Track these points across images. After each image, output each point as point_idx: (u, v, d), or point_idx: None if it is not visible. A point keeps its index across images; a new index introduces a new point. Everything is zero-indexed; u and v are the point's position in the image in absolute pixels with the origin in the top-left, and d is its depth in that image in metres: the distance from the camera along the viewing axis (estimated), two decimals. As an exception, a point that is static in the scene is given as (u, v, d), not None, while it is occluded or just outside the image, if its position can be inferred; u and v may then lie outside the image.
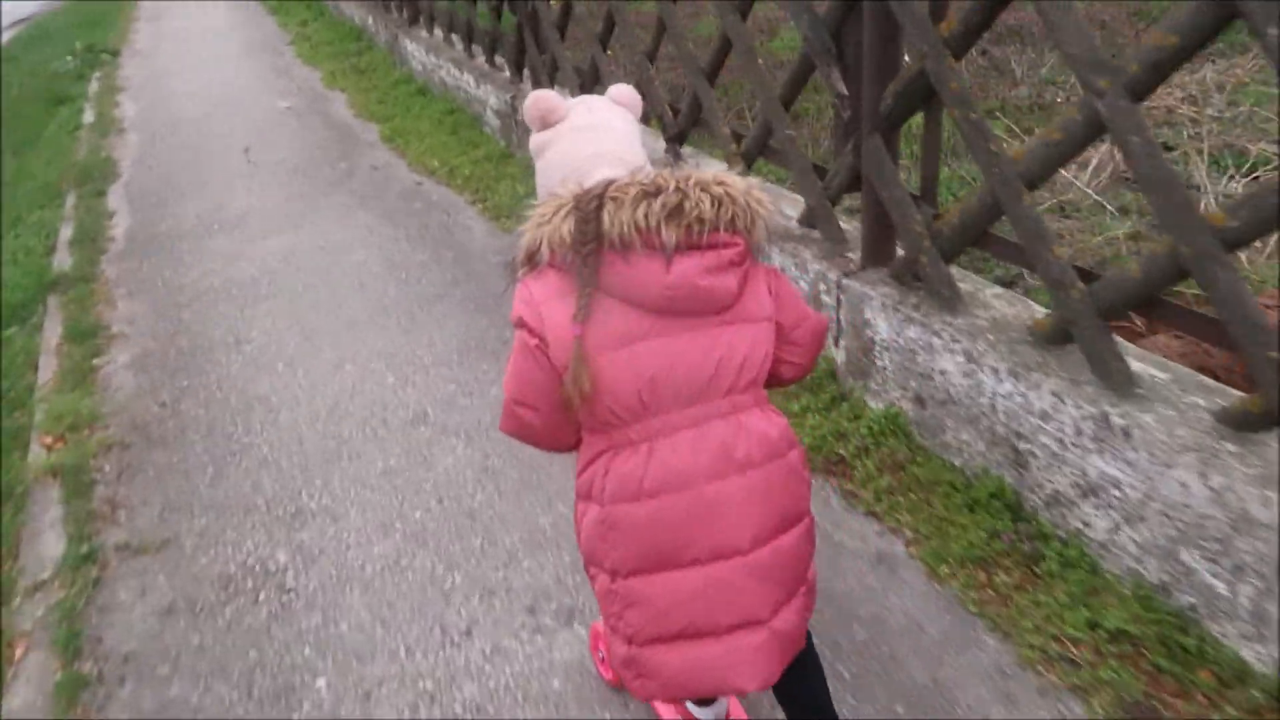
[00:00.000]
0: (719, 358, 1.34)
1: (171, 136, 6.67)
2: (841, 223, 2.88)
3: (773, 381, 1.44)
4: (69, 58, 10.01)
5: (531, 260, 1.35)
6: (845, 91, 2.60)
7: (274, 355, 3.54)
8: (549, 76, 4.78)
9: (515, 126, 5.15)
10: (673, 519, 1.33)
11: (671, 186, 1.29)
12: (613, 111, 1.50)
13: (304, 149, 6.05)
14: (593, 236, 1.28)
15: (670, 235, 1.27)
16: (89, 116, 7.57)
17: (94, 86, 8.77)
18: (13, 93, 9.18)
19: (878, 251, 2.70)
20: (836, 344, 2.82)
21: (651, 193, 1.29)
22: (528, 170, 4.66)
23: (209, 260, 4.47)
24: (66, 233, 5.06)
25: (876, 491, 2.49)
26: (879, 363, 2.64)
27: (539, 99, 1.47)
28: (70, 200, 5.59)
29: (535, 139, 1.50)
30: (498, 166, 5.15)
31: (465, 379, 3.25)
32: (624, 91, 1.55)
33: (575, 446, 1.48)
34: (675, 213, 1.28)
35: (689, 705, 1.75)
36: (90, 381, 3.52)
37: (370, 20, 8.45)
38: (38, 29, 12.73)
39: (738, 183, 1.33)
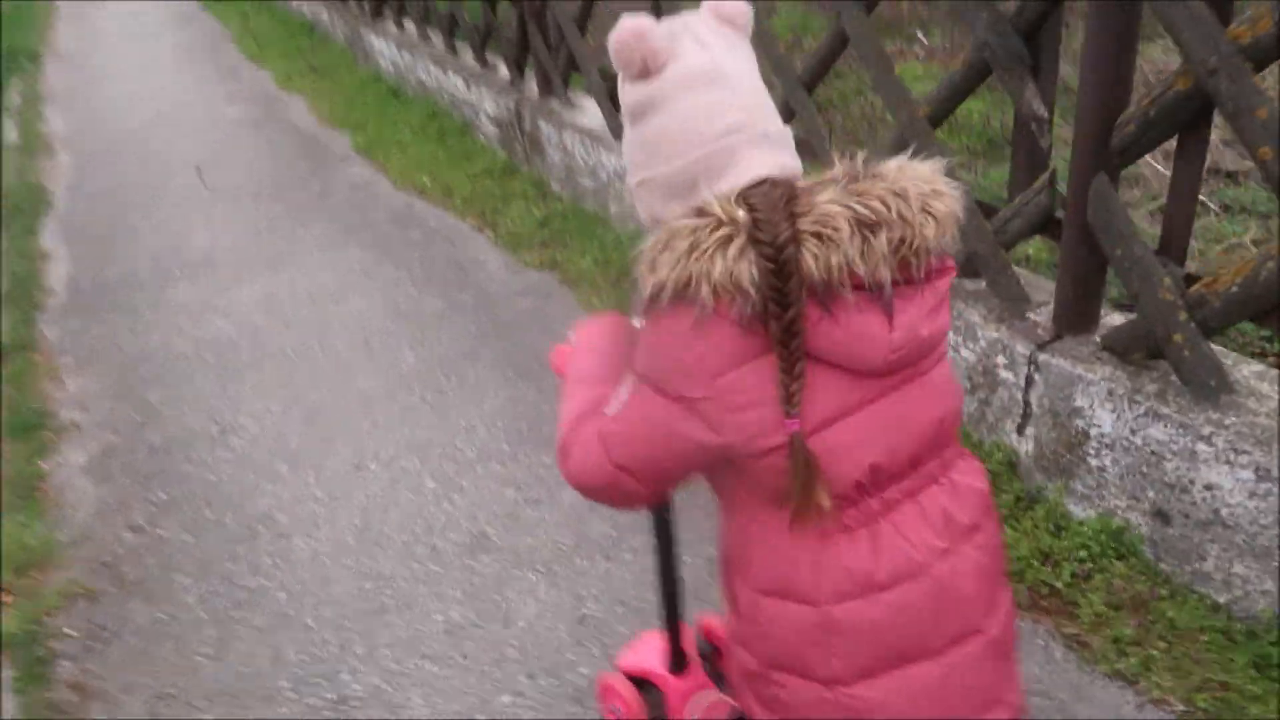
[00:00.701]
0: (939, 416, 1.06)
1: (110, 156, 5.82)
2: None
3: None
4: (-16, 62, 8.98)
5: (678, 295, 0.94)
6: (1045, 114, 1.97)
7: (273, 451, 2.84)
8: (562, 78, 4.09)
9: (520, 136, 4.45)
10: (909, 612, 1.06)
11: (892, 212, 0.93)
12: (731, 46, 1.03)
13: (266, 166, 5.27)
14: (796, 292, 0.91)
15: (886, 276, 0.93)
16: (11, 134, 6.66)
17: (15, 98, 7.81)
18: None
19: (1078, 316, 2.09)
20: (1021, 431, 2.21)
21: (869, 225, 0.92)
22: (540, 188, 3.85)
23: (173, 316, 3.72)
24: (-5, 283, 4.27)
25: (1116, 641, 1.89)
26: (1093, 462, 2.04)
27: (638, 31, 0.98)
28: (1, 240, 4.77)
29: (631, 94, 1.03)
30: (501, 183, 4.44)
31: (524, 479, 2.59)
32: (730, 6, 1.04)
33: (643, 504, 1.22)
34: (904, 246, 0.94)
35: None
36: (39, 495, 2.79)
37: (324, 14, 7.61)
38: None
39: (949, 188, 0.98)
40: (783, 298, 0.91)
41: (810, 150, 2.63)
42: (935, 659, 1.08)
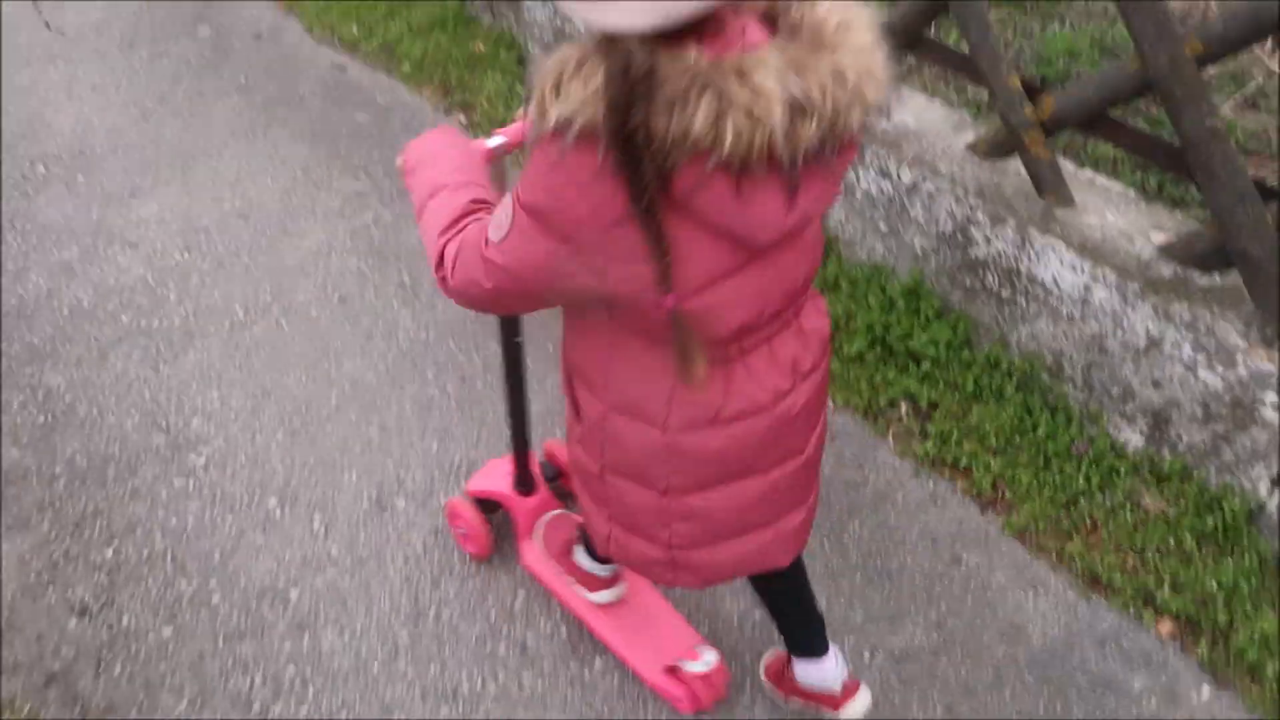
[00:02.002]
0: (806, 274, 1.12)
1: None
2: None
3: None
4: None
5: (556, 130, 0.87)
6: None
7: (252, 477, 2.14)
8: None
9: (482, -23, 3.49)
10: (747, 443, 1.18)
11: (827, 100, 0.87)
12: None
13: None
14: (651, 176, 0.87)
15: (799, 160, 0.89)
16: None
17: None
18: None
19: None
20: (1278, 484, 1.76)
21: (799, 107, 0.86)
22: (515, 52, 3.13)
23: (53, 245, 2.80)
24: None
25: None
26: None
27: None
28: None
29: None
30: (458, 42, 3.51)
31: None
32: None
33: (521, 310, 1.27)
34: (830, 130, 0.90)
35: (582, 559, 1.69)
36: (-77, 554, 2.03)
37: None
38: None
39: (875, 43, 0.92)
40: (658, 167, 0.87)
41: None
42: (760, 476, 1.22)
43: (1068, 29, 3.21)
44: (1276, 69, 2.74)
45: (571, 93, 0.86)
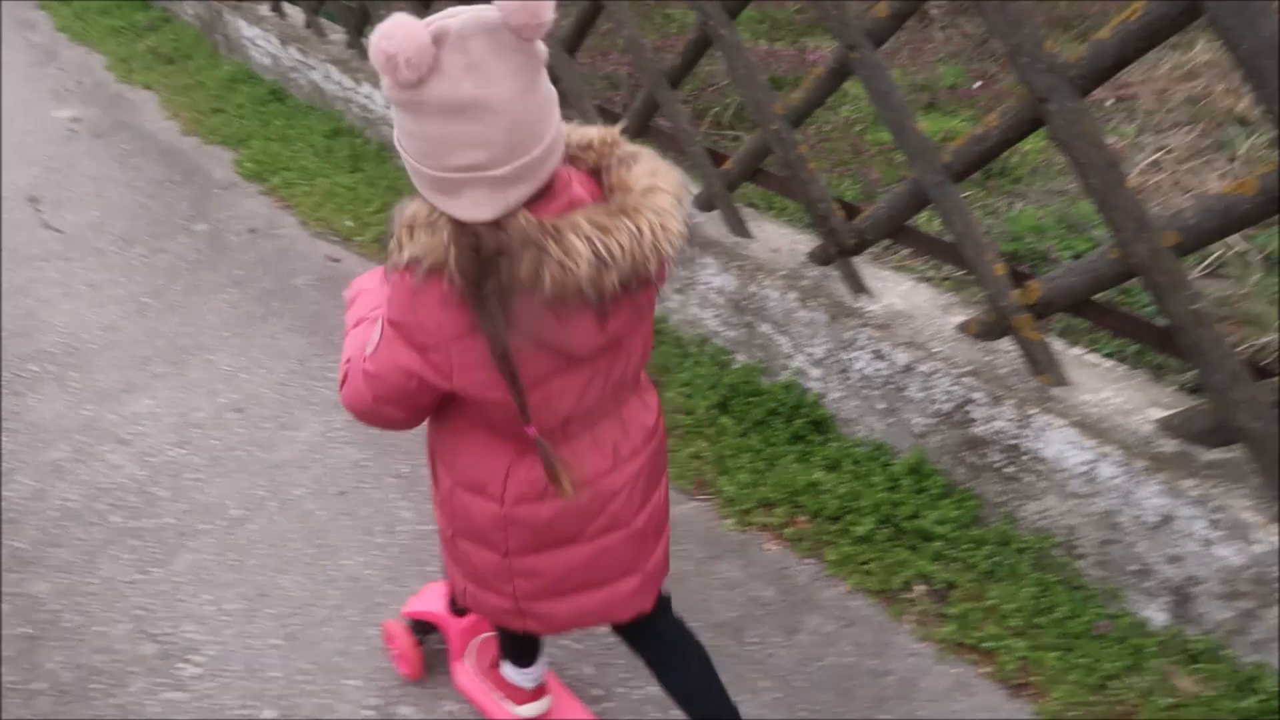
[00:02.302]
0: (631, 374, 1.35)
1: None
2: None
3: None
4: None
5: (408, 268, 1.11)
6: None
7: (249, 689, 2.03)
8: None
9: (474, 173, 3.65)
10: (572, 514, 1.37)
11: (627, 254, 1.11)
12: (505, 64, 1.02)
13: (127, 196, 4.19)
14: (507, 289, 1.10)
15: (607, 298, 1.13)
16: None
17: None
18: None
19: None
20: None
21: (605, 257, 1.09)
22: None
23: (42, 442, 2.76)
24: None
25: None
26: None
27: (399, 35, 0.97)
28: None
29: (392, 91, 1.03)
30: (452, 230, 3.63)
31: (629, 724, 1.92)
32: (520, 12, 1.00)
33: (412, 425, 1.35)
34: (633, 268, 1.12)
35: (516, 677, 1.79)
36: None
37: (163, -18, 6.34)
38: None
39: (674, 204, 1.17)
40: (499, 296, 1.09)
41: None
42: (587, 543, 1.40)
43: (1033, 206, 3.39)
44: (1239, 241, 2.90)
45: (420, 239, 1.09)
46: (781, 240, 2.74)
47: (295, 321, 3.25)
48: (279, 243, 3.76)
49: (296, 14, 4.94)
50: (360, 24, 4.27)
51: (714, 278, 2.74)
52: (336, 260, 3.62)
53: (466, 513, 1.39)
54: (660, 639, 1.62)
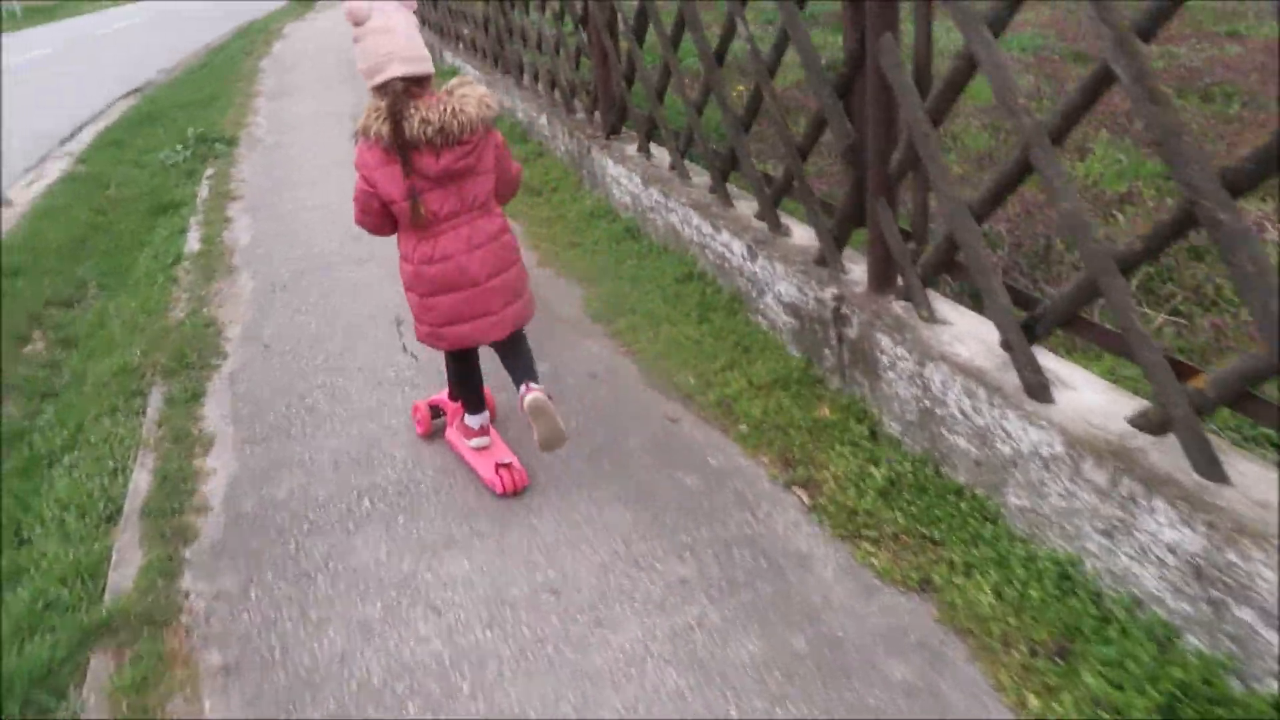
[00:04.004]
0: (470, 197, 2.72)
1: (296, 287, 4.94)
2: None
3: (499, 198, 2.87)
4: (178, 147, 8.57)
5: (365, 134, 2.62)
6: None
7: None
8: (925, 276, 2.84)
9: (837, 343, 3.21)
10: (448, 272, 2.74)
11: (435, 117, 2.55)
12: (400, 14, 2.61)
13: (480, 327, 4.21)
14: (402, 140, 2.56)
15: (436, 141, 2.58)
16: (193, 242, 5.94)
17: (203, 190, 7.22)
18: (109, 192, 7.75)
19: None
20: None
21: (428, 119, 2.55)
22: (867, 424, 3.06)
23: (357, 597, 2.60)
24: (140, 481, 3.28)
25: None
26: None
27: (353, 9, 2.57)
28: (153, 406, 3.84)
29: (353, 31, 2.60)
30: (803, 405, 3.20)
31: None
32: None
33: (392, 233, 2.83)
34: (439, 131, 2.56)
35: (469, 420, 3.14)
36: None
37: (542, 118, 6.69)
38: (149, 106, 11.48)
39: (473, 104, 2.62)
40: (401, 144, 2.56)
41: None
42: (458, 292, 2.76)
43: None
44: None
45: (371, 119, 2.58)
46: (1274, 491, 2.00)
47: (623, 490, 2.94)
48: (616, 393, 3.54)
49: (663, 156, 4.89)
50: (726, 170, 4.07)
51: (1164, 528, 2.05)
52: (674, 420, 3.30)
53: (404, 273, 2.82)
54: (514, 355, 2.99)
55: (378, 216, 2.75)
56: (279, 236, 5.83)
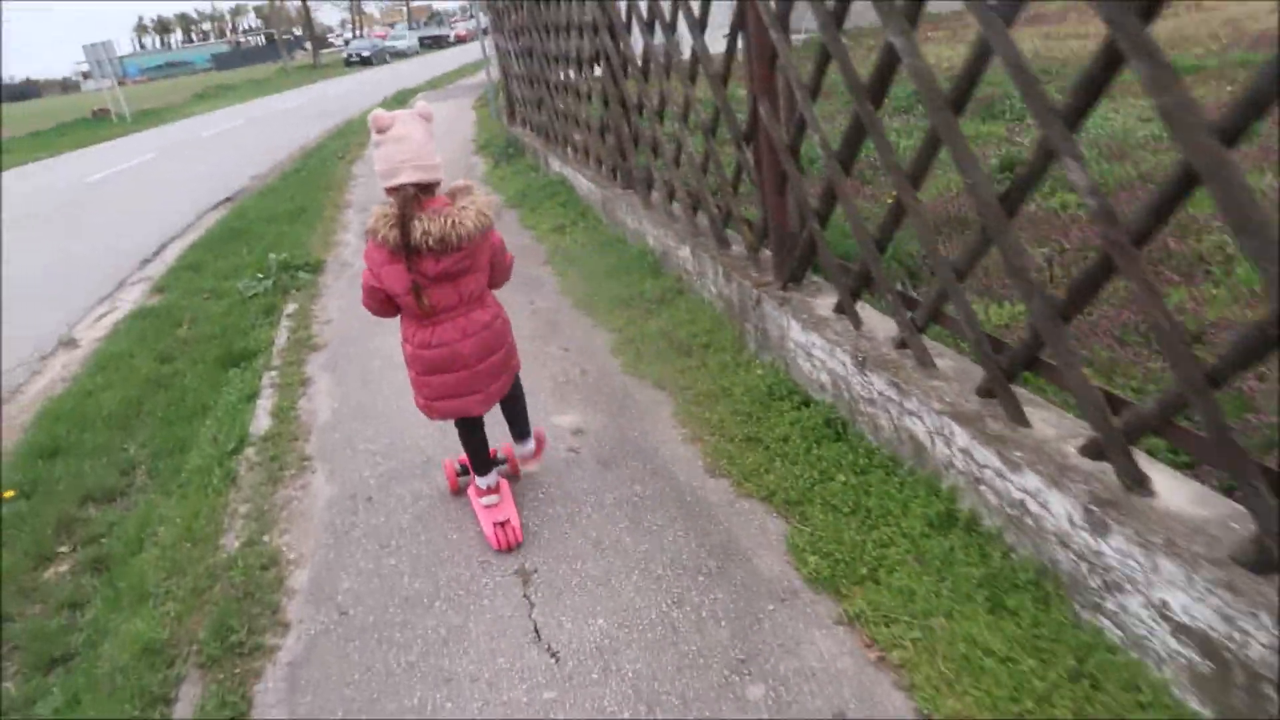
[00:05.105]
0: (466, 292, 3.01)
1: (384, 502, 3.72)
2: None
3: (494, 285, 3.18)
4: (259, 275, 7.64)
5: (374, 235, 2.88)
6: None
7: None
8: None
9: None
10: (443, 356, 3.05)
11: (436, 230, 2.82)
12: (416, 124, 2.90)
13: (643, 592, 2.91)
14: (407, 245, 2.84)
15: (437, 249, 2.85)
16: (261, 415, 4.82)
17: (281, 335, 6.18)
18: (181, 331, 6.79)
19: None
20: None
21: (429, 231, 2.82)
22: None
23: None
24: None
25: None
26: None
27: (377, 117, 2.88)
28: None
29: (374, 138, 2.90)
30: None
31: None
32: (424, 108, 2.99)
33: (394, 316, 3.11)
34: (439, 241, 2.83)
35: (478, 481, 3.44)
36: None
37: (683, 250, 5.45)
38: (235, 219, 10.75)
39: (471, 217, 2.88)
40: (406, 246, 2.84)
41: None
42: (451, 374, 3.09)
43: None
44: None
45: (380, 223, 2.86)
46: None
47: None
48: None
49: (879, 324, 3.57)
50: (1015, 368, 2.72)
51: None
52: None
53: (405, 352, 3.16)
54: (509, 411, 3.51)
55: (381, 304, 3.05)
56: (363, 411, 4.66)
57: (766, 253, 4.52)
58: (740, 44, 4.13)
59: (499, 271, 3.15)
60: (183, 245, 10.24)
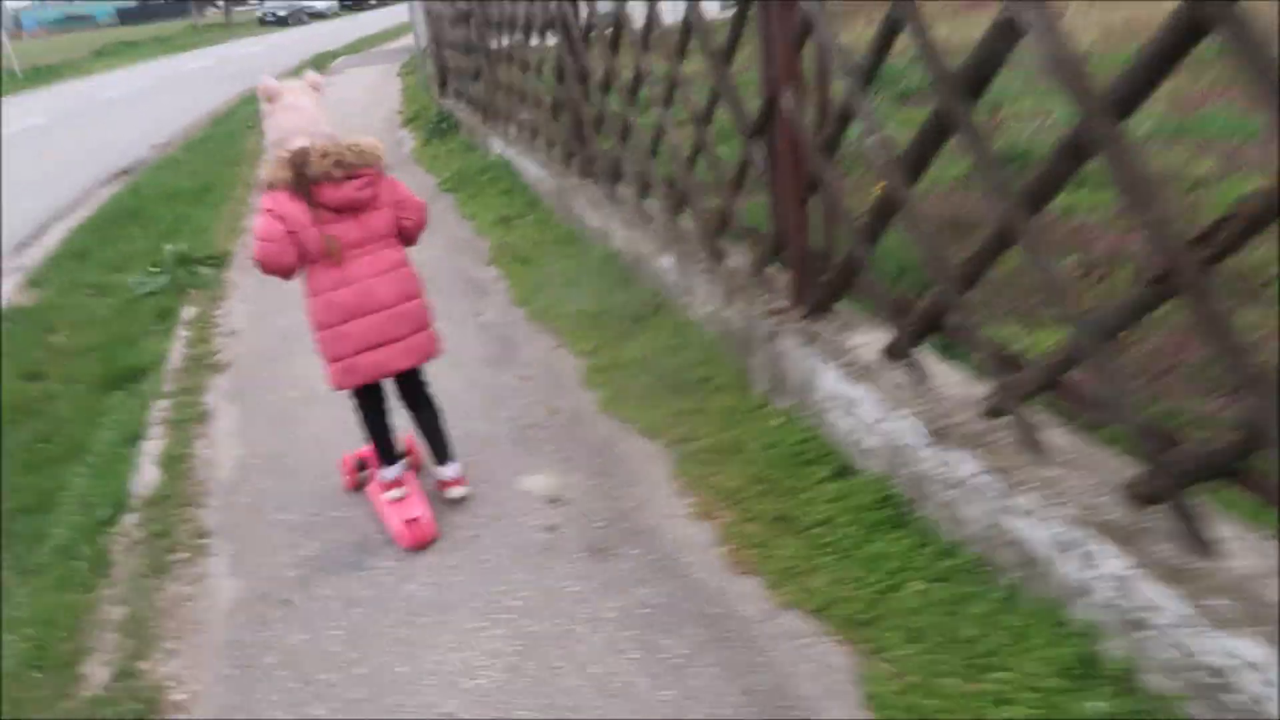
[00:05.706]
0: (372, 229, 2.91)
1: (306, 608, 2.83)
2: None
3: (405, 234, 3.05)
4: (152, 269, 6.55)
5: (271, 186, 2.82)
6: None
7: None
8: None
9: None
10: (357, 296, 2.88)
11: (333, 149, 2.80)
12: (307, 95, 2.93)
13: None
14: (305, 180, 2.78)
15: (337, 173, 2.79)
16: (147, 467, 3.84)
17: (177, 349, 5.17)
18: (56, 338, 5.70)
19: None
20: None
21: (325, 152, 2.79)
22: None
23: None
24: None
25: None
26: None
27: (266, 86, 2.90)
28: None
29: (264, 108, 2.91)
30: None
31: None
32: (315, 78, 3.01)
33: (293, 268, 2.87)
34: (337, 163, 2.79)
35: (382, 474, 3.19)
36: None
37: (663, 261, 4.60)
38: (131, 197, 9.49)
39: (367, 143, 2.88)
40: (302, 183, 2.78)
41: None
42: (368, 316, 2.89)
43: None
44: None
45: (276, 173, 2.81)
46: None
47: None
48: None
49: (942, 373, 2.81)
50: (1196, 474, 1.98)
51: None
52: None
53: (312, 308, 2.93)
54: (418, 402, 3.20)
55: (283, 245, 2.81)
56: (278, 463, 3.72)
57: (771, 270, 3.72)
58: (757, 14, 3.29)
59: (409, 210, 3.04)
60: (67, 227, 8.98)
